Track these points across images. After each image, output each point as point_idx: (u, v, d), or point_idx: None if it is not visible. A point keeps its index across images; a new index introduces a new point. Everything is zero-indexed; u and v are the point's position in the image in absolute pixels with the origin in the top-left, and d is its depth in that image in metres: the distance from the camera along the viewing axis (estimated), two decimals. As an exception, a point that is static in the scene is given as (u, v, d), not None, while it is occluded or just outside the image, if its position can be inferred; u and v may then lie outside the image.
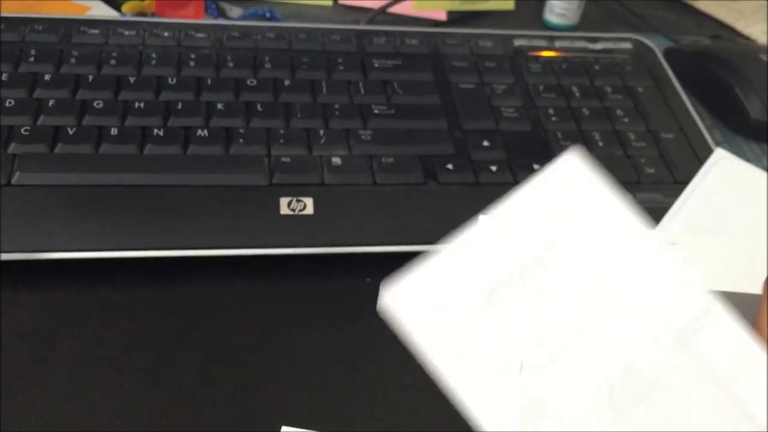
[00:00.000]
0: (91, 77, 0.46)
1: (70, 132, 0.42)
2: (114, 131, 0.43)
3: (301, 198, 0.42)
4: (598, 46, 0.56)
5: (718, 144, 0.50)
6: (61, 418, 0.33)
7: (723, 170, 0.46)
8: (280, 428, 0.27)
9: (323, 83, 0.48)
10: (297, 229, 0.41)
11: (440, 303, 0.21)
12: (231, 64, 0.49)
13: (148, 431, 0.33)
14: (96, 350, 0.36)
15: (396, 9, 0.63)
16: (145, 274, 0.40)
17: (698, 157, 0.48)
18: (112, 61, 0.47)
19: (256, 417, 0.34)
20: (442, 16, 0.64)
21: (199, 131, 0.44)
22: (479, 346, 0.21)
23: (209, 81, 0.47)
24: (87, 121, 0.43)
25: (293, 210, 0.41)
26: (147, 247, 0.39)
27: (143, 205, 0.40)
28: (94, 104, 0.44)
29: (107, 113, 0.44)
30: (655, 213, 0.44)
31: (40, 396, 0.34)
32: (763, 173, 0.46)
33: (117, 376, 0.35)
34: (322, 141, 0.44)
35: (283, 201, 0.41)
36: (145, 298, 0.39)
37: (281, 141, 0.44)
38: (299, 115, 0.46)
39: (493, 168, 0.45)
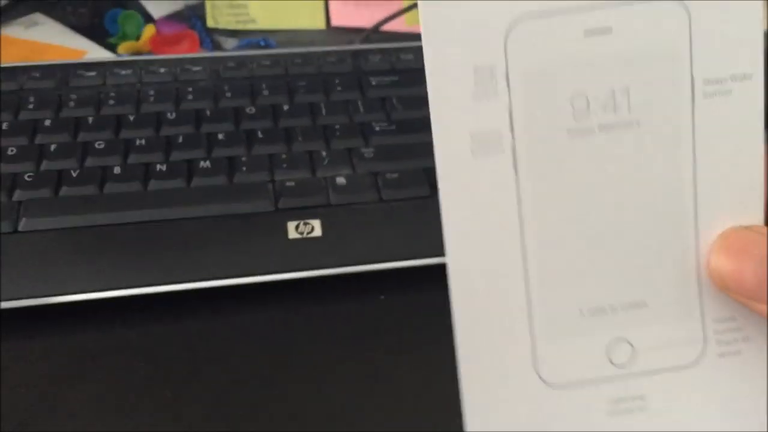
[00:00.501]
0: (90, 119, 0.46)
1: (74, 174, 0.43)
2: (117, 170, 0.43)
3: (308, 221, 0.41)
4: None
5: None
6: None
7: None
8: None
9: (322, 105, 0.48)
10: (306, 252, 0.40)
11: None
12: (229, 95, 0.49)
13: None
14: (111, 392, 0.36)
15: (389, 26, 0.63)
16: (157, 310, 0.39)
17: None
18: (111, 101, 0.47)
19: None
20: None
21: (202, 163, 0.44)
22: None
23: (208, 112, 0.47)
24: (89, 162, 0.44)
25: (301, 233, 0.41)
26: (156, 283, 0.39)
27: (150, 241, 0.40)
28: (96, 145, 0.44)
29: (109, 153, 0.44)
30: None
31: (61, 441, 0.34)
32: None
33: (134, 416, 0.35)
34: (326, 162, 0.44)
35: (291, 225, 0.41)
36: (158, 335, 0.39)
37: (284, 166, 0.44)
38: (300, 139, 0.46)
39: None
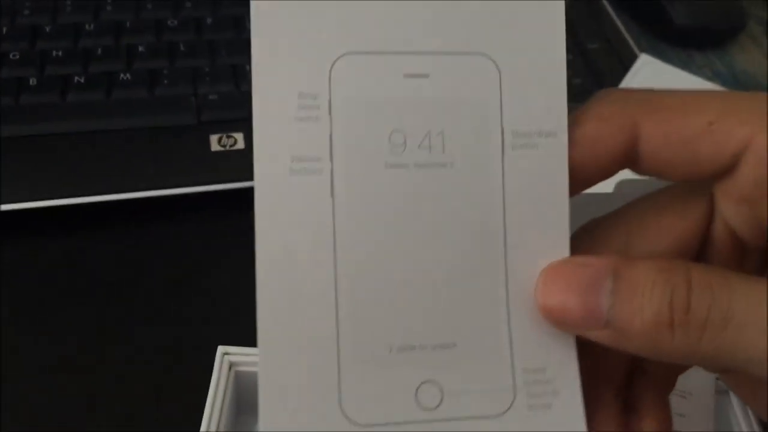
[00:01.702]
0: (4, 29, 0.45)
1: (-12, 86, 0.41)
2: (33, 81, 0.42)
3: (231, 134, 0.41)
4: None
5: (643, 52, 0.51)
6: (1, 367, 0.33)
7: (648, 74, 0.47)
8: (216, 347, 0.27)
9: (246, 18, 0.47)
10: (229, 164, 0.40)
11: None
12: (150, 6, 0.47)
13: (92, 368, 0.33)
14: (31, 301, 0.36)
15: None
16: (78, 221, 0.39)
17: (624, 65, 0.49)
18: (26, 11, 0.46)
19: (196, 340, 0.34)
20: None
21: (122, 75, 0.43)
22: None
23: (128, 24, 0.46)
24: (4, 73, 0.42)
25: (224, 146, 0.41)
26: (77, 195, 0.38)
27: (70, 152, 0.40)
28: (11, 56, 0.43)
29: (24, 64, 0.43)
30: (584, 121, 0.45)
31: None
32: (687, 75, 0.47)
33: (60, 321, 0.35)
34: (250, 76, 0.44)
35: (213, 138, 0.41)
36: (78, 246, 0.39)
37: (207, 79, 0.44)
38: (224, 53, 0.45)
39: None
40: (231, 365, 0.28)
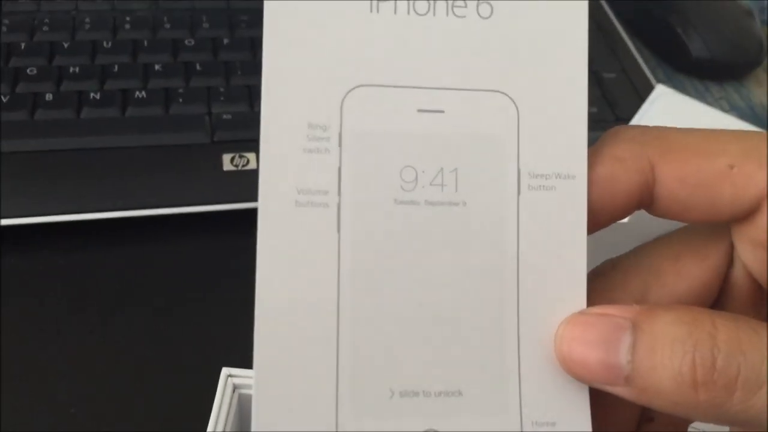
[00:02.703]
0: (23, 45, 0.45)
1: (4, 100, 0.42)
2: (49, 97, 0.42)
3: (243, 153, 0.41)
4: (540, -9, 0.56)
5: (660, 82, 0.51)
6: (5, 377, 0.33)
7: (665, 105, 0.46)
8: (220, 369, 0.27)
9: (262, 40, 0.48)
10: (241, 184, 0.40)
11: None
12: (168, 26, 0.48)
13: (94, 387, 0.33)
14: (38, 315, 0.36)
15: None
16: (87, 237, 0.39)
17: (640, 95, 0.48)
18: (45, 28, 0.46)
19: (200, 361, 0.34)
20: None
21: (137, 93, 0.43)
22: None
23: (146, 43, 0.46)
24: (21, 88, 0.43)
25: (236, 166, 0.41)
26: (88, 210, 0.38)
27: (83, 168, 0.40)
28: (28, 71, 0.43)
29: (41, 79, 0.43)
30: (599, 150, 0.44)
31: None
32: (704, 106, 0.47)
33: (60, 340, 0.35)
34: (264, 97, 0.44)
35: (226, 157, 0.41)
36: (88, 262, 0.39)
37: (222, 99, 0.44)
38: (239, 73, 0.45)
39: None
40: (235, 387, 0.28)
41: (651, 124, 0.47)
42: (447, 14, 0.20)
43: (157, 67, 0.45)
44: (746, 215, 0.19)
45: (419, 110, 0.19)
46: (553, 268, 0.20)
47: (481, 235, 0.19)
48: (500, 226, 0.19)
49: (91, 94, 0.43)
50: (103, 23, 0.47)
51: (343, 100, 0.19)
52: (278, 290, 0.19)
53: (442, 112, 0.20)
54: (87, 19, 0.47)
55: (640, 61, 0.52)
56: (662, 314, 0.18)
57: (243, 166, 0.41)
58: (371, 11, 0.19)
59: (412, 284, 0.19)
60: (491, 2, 0.20)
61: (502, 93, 0.20)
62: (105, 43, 0.46)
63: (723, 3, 0.57)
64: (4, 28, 0.46)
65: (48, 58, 0.45)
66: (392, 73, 0.19)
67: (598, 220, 0.20)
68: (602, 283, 0.21)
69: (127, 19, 0.48)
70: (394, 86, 0.19)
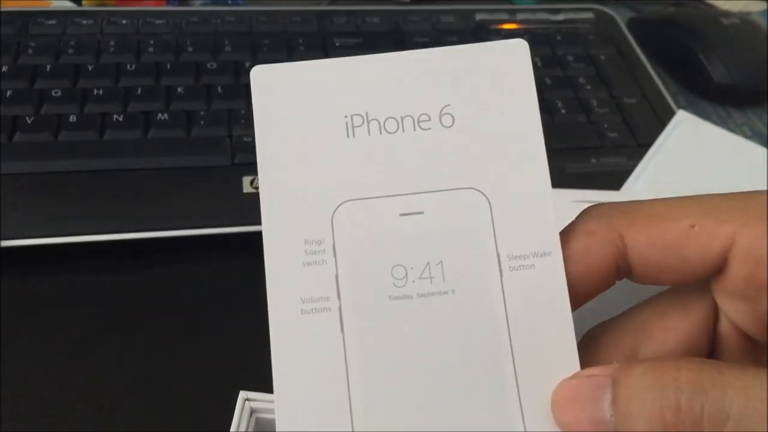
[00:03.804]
0: (48, 67, 0.46)
1: (29, 121, 0.42)
2: (73, 118, 0.43)
3: (264, 176, 0.41)
4: (560, 17, 0.56)
5: (681, 108, 0.50)
6: (29, 400, 0.33)
7: (685, 131, 0.46)
8: (238, 392, 0.27)
9: (284, 63, 0.48)
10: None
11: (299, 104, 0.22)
12: (191, 49, 0.48)
13: (115, 408, 0.33)
14: (59, 338, 0.36)
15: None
16: (108, 259, 0.39)
17: (661, 120, 0.48)
18: (70, 51, 0.47)
19: (217, 384, 0.34)
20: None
21: (160, 115, 0.44)
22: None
23: (169, 66, 0.47)
24: (45, 109, 0.43)
25: (256, 188, 0.41)
26: (109, 231, 0.39)
27: (105, 190, 0.40)
28: (53, 93, 0.44)
29: (66, 101, 0.44)
30: (619, 176, 0.44)
31: (6, 380, 0.34)
32: (725, 132, 0.47)
33: (81, 362, 0.35)
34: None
35: (246, 180, 0.41)
36: (109, 283, 0.39)
37: (242, 121, 0.44)
38: (261, 96, 0.46)
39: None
40: (252, 411, 0.28)
41: (672, 150, 0.47)
42: (414, 128, 0.22)
43: (179, 89, 0.45)
44: (718, 269, 0.21)
45: (401, 214, 0.22)
46: (543, 339, 0.21)
47: (473, 317, 0.21)
48: (489, 307, 0.21)
49: (114, 116, 0.43)
50: (127, 46, 0.48)
51: (332, 215, 0.21)
52: (294, 390, 0.21)
53: (422, 213, 0.22)
54: (111, 42, 0.48)
55: (661, 86, 0.51)
56: (636, 367, 0.19)
57: (263, 188, 0.41)
58: (348, 136, 0.22)
59: (414, 369, 0.21)
60: (451, 113, 0.22)
61: (473, 189, 0.22)
62: (129, 66, 0.46)
63: (745, 28, 0.57)
64: (30, 51, 0.47)
65: (72, 80, 0.45)
66: (373, 186, 0.22)
67: (581, 292, 0.22)
68: (595, 344, 0.22)
69: (151, 42, 0.48)
70: (376, 197, 0.22)
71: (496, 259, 0.21)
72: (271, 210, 0.21)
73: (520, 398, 0.21)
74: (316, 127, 0.22)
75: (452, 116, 0.22)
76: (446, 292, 0.21)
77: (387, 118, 0.22)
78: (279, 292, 0.21)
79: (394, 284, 0.21)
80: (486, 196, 0.22)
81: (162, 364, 0.35)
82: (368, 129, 0.22)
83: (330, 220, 0.21)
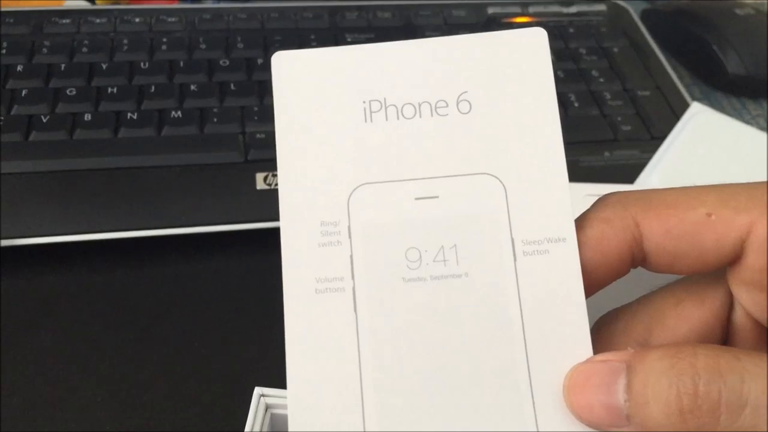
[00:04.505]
0: (63, 66, 0.46)
1: (44, 120, 0.43)
2: (87, 117, 0.43)
3: (277, 173, 0.42)
4: (572, 9, 0.56)
5: (696, 100, 0.50)
6: (43, 398, 0.34)
7: (700, 123, 0.46)
8: (254, 389, 0.27)
9: (296, 60, 0.48)
10: (274, 202, 0.40)
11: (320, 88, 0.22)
12: (203, 46, 0.49)
13: (130, 405, 0.33)
14: (74, 334, 0.36)
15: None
16: (123, 256, 0.40)
17: (675, 113, 0.48)
18: (84, 49, 0.47)
19: (233, 380, 0.34)
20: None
21: (173, 113, 0.44)
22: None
23: (182, 63, 0.47)
24: (60, 108, 0.44)
25: (270, 185, 0.41)
26: (124, 228, 0.39)
27: (120, 187, 0.40)
28: (67, 92, 0.44)
29: (80, 100, 0.44)
30: (633, 169, 0.44)
31: (22, 377, 0.34)
32: (740, 124, 0.46)
33: (96, 359, 0.35)
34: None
35: (259, 176, 0.42)
36: (124, 280, 0.39)
37: (255, 118, 0.44)
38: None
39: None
40: (267, 407, 0.28)
41: (686, 142, 0.47)
42: (432, 114, 0.22)
43: (192, 87, 0.46)
44: (733, 259, 0.21)
45: (416, 198, 0.22)
46: (556, 323, 0.21)
47: (486, 300, 0.21)
48: (502, 290, 0.21)
49: (129, 114, 0.43)
50: (140, 44, 0.48)
51: (349, 198, 0.22)
52: (306, 368, 0.21)
53: (437, 197, 0.22)
54: (125, 41, 0.48)
55: (675, 78, 0.51)
56: (651, 353, 0.19)
57: (276, 185, 0.41)
58: (366, 121, 0.22)
59: (426, 352, 0.21)
60: (469, 100, 0.22)
61: (488, 174, 0.22)
62: (142, 64, 0.47)
63: (759, 18, 0.56)
64: (44, 50, 0.47)
65: (87, 78, 0.45)
66: (389, 170, 0.22)
67: (595, 279, 0.22)
68: (608, 330, 0.22)
69: (164, 40, 0.49)
70: (392, 181, 0.22)
71: (510, 244, 0.22)
72: (288, 191, 0.22)
73: (531, 382, 0.21)
74: (335, 112, 0.22)
75: (469, 103, 0.22)
76: (459, 276, 0.21)
77: (405, 104, 0.22)
78: (294, 271, 0.21)
79: (407, 266, 0.21)
80: (501, 182, 0.22)
81: (177, 361, 0.35)
82: (386, 114, 0.22)
83: (346, 203, 0.22)
